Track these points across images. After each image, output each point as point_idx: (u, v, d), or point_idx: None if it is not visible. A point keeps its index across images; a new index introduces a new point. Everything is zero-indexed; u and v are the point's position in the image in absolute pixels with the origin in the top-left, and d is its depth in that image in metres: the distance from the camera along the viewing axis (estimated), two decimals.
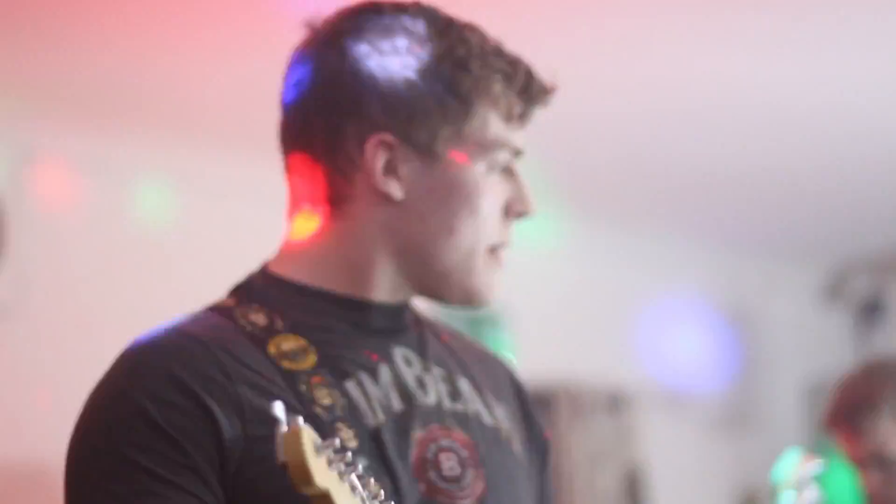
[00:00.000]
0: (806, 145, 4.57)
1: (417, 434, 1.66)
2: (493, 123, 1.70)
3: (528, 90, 1.72)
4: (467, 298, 1.73)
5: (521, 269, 4.91)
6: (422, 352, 1.75)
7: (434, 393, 1.71)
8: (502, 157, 1.72)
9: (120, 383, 1.61)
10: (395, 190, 1.69)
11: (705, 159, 4.65)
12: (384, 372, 1.69)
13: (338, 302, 1.70)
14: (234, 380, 1.59)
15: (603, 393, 5.32)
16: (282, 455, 1.35)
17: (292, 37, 1.76)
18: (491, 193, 1.71)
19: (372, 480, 1.45)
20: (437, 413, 1.70)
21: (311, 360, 1.65)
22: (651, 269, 5.57)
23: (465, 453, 1.68)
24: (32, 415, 3.88)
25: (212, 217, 4.32)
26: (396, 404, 1.67)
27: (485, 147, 1.70)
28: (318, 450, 1.36)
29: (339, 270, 1.71)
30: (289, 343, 1.66)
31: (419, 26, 1.71)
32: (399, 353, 1.72)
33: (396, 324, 1.74)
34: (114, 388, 1.61)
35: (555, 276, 5.21)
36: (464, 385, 1.76)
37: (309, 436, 1.35)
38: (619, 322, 5.44)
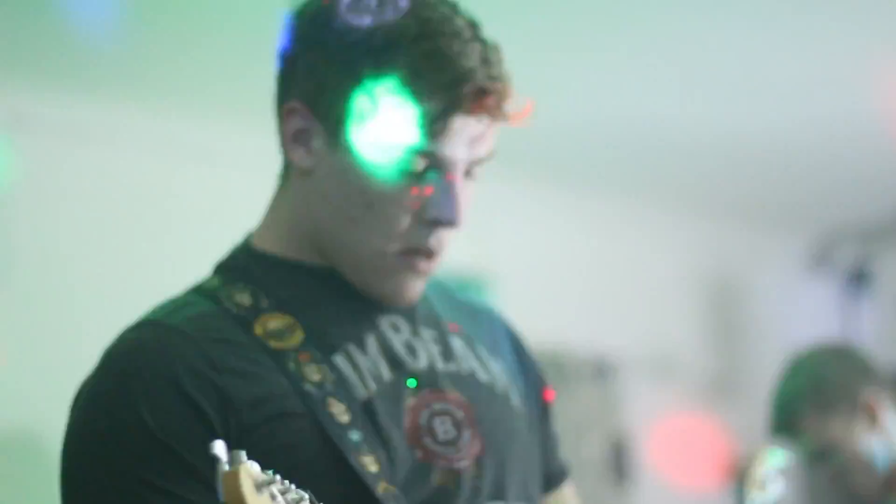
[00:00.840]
0: (792, 111, 4.57)
1: (409, 401, 1.65)
2: (398, 126, 1.60)
3: (451, 99, 1.59)
4: (379, 297, 1.69)
5: (506, 236, 4.94)
6: (410, 316, 1.73)
7: (425, 356, 1.70)
8: (411, 161, 1.62)
9: (111, 391, 1.59)
10: (302, 159, 1.67)
11: (691, 126, 4.64)
12: (371, 341, 1.68)
13: (315, 273, 1.69)
14: (221, 372, 1.58)
15: (588, 361, 5.32)
16: (222, 496, 1.34)
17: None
18: (398, 196, 1.63)
19: None
20: (429, 377, 1.69)
21: (297, 337, 1.64)
22: (638, 237, 5.57)
23: (460, 414, 1.68)
24: (19, 382, 3.87)
25: (201, 184, 4.30)
26: (386, 373, 1.66)
27: (388, 149, 1.61)
28: (259, 486, 1.35)
29: (301, 240, 1.70)
30: (275, 322, 1.65)
31: (368, 6, 1.63)
32: (385, 320, 1.71)
33: None
34: (105, 395, 1.59)
35: (540, 243, 5.21)
36: (456, 343, 1.75)
37: (248, 473, 1.34)
38: (604, 290, 5.44)
